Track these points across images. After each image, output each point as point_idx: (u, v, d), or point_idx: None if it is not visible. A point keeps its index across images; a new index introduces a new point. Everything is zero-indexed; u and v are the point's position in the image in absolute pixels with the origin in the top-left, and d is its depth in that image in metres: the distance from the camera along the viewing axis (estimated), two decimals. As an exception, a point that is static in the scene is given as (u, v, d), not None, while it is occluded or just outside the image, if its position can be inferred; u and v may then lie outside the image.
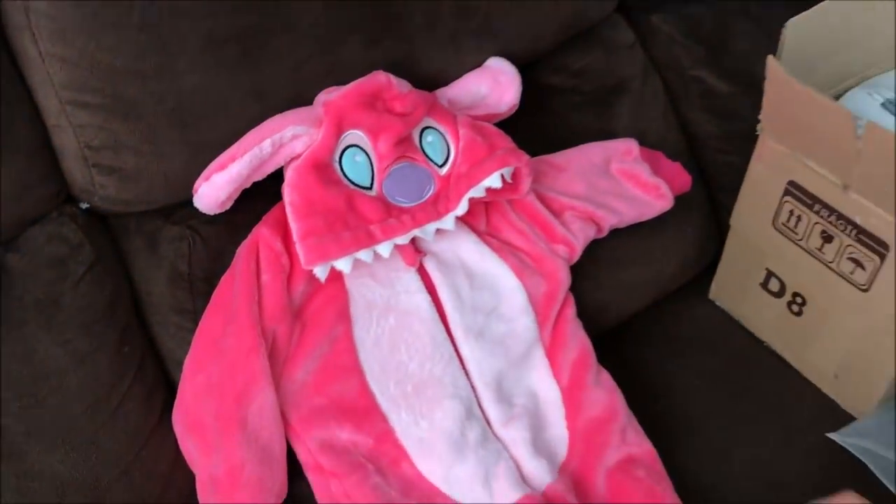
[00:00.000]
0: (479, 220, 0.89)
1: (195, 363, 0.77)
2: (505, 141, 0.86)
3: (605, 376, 0.87)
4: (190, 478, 0.75)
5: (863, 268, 0.86)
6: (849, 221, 0.85)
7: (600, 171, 0.95)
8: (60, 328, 0.73)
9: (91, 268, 0.76)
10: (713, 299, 1.06)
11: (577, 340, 0.88)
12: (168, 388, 0.79)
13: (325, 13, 0.82)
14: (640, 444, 0.83)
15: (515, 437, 0.81)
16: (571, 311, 0.89)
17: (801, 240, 0.91)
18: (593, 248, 0.94)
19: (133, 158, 0.77)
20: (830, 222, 0.87)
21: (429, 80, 0.89)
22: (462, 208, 0.83)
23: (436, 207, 0.83)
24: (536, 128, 0.97)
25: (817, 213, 0.87)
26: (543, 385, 0.86)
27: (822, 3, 0.87)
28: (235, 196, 0.80)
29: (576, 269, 0.92)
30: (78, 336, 0.73)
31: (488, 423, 0.82)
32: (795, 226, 0.91)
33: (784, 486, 0.87)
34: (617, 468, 0.81)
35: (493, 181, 0.83)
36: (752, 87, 1.00)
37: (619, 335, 0.98)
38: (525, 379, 0.85)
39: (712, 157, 1.10)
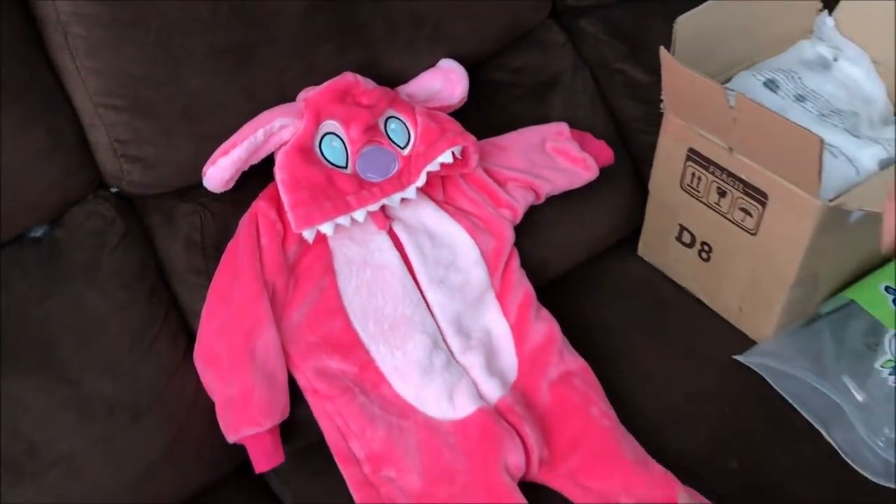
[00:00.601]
0: (437, 191, 1.07)
1: (210, 311, 0.95)
2: (455, 126, 1.05)
3: (545, 312, 1.06)
4: (210, 404, 0.93)
5: (751, 215, 1.05)
6: (736, 178, 1.04)
7: (537, 149, 1.15)
8: (102, 284, 0.91)
9: (123, 238, 0.94)
10: (641, 255, 1.25)
11: (522, 286, 1.07)
12: (188, 335, 0.97)
13: (300, 27, 1.01)
14: (574, 361, 1.02)
15: (473, 362, 1.00)
16: (516, 262, 1.08)
17: (702, 197, 1.10)
18: (534, 213, 1.13)
19: (153, 149, 0.95)
20: (723, 180, 1.06)
21: (391, 79, 1.08)
22: (421, 180, 1.01)
23: (400, 181, 1.02)
24: (483, 116, 1.15)
25: (712, 173, 1.07)
26: (495, 322, 1.04)
27: (706, 3, 1.08)
28: (236, 177, 0.98)
29: (519, 230, 1.10)
30: (116, 291, 0.91)
31: (451, 352, 1.00)
32: (697, 185, 1.10)
33: (697, 398, 1.06)
34: (558, 380, 1.00)
35: (446, 157, 1.02)
36: (667, 75, 1.20)
37: (559, 286, 1.17)
38: (480, 318, 1.04)
39: (636, 137, 1.29)
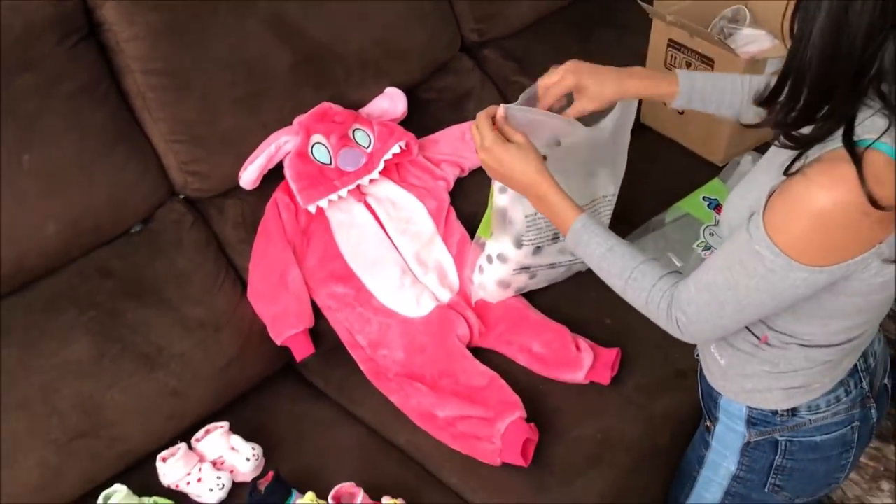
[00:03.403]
0: (394, 173, 1.59)
1: (254, 264, 1.46)
2: (400, 129, 1.57)
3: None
4: (263, 325, 1.43)
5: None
6: (696, 52, 1.64)
7: (459, 139, 1.67)
8: (185, 252, 1.42)
9: (193, 224, 1.46)
10: (641, 121, 1.81)
11: (459, 230, 1.58)
12: (242, 283, 1.47)
13: (289, 78, 1.53)
14: (497, 273, 1.54)
15: (430, 280, 1.51)
16: (453, 215, 1.59)
17: (677, 68, 1.62)
18: (463, 182, 1.64)
19: (206, 166, 1.47)
20: (688, 55, 1.64)
21: (354, 104, 1.60)
22: (381, 166, 1.53)
23: (367, 168, 1.53)
24: (420, 122, 1.68)
25: (682, 52, 1.66)
26: (443, 255, 1.55)
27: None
28: (260, 177, 1.50)
29: (454, 195, 1.62)
30: (194, 255, 1.42)
31: (415, 275, 1.51)
32: (674, 62, 1.69)
33: (583, 286, 1.57)
34: (485, 286, 1.52)
35: (395, 149, 1.54)
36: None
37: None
38: (432, 253, 1.55)
39: (532, 126, 1.82)
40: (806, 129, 0.87)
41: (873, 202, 0.81)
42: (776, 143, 0.91)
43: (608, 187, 1.43)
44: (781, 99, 0.87)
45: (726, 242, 0.97)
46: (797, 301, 0.94)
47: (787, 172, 0.87)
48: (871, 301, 0.97)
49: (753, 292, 0.93)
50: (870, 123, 0.83)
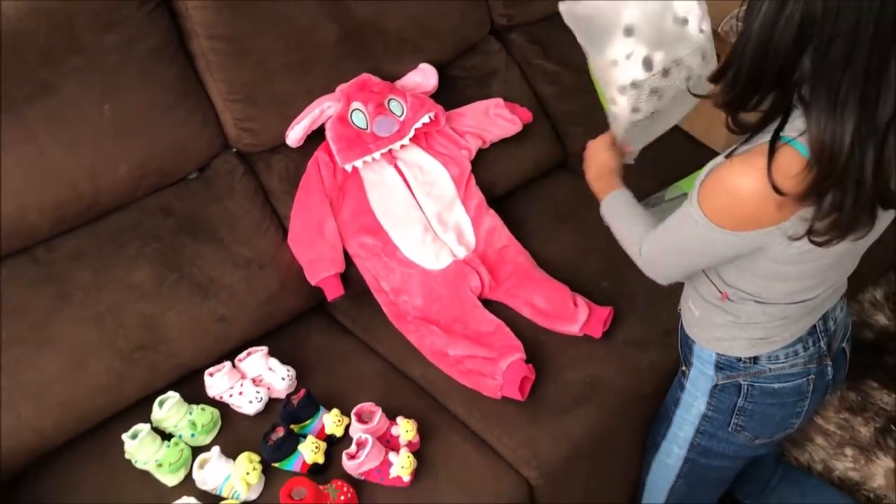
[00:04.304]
0: (422, 141, 1.77)
1: (295, 213, 1.65)
2: (431, 101, 1.76)
3: (492, 211, 1.75)
4: (300, 267, 1.62)
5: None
6: None
7: (483, 114, 1.85)
8: (236, 199, 1.61)
9: (244, 175, 1.65)
10: None
11: (477, 196, 1.76)
12: (283, 230, 1.66)
13: (335, 49, 1.71)
14: (509, 238, 1.72)
15: (449, 238, 1.69)
16: (473, 181, 1.78)
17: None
18: (484, 153, 1.83)
19: (257, 124, 1.66)
20: None
21: (390, 76, 1.78)
22: (411, 134, 1.71)
23: (399, 135, 1.71)
24: (449, 97, 1.86)
25: None
26: (462, 217, 1.74)
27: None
28: (304, 137, 1.68)
29: (476, 164, 1.80)
30: (244, 202, 1.62)
31: (435, 233, 1.69)
32: None
33: (585, 251, 1.74)
34: (500, 249, 1.70)
35: (425, 119, 1.72)
36: (570, 66, 1.91)
37: (505, 197, 1.86)
38: (453, 214, 1.73)
39: (551, 105, 1.99)
40: (752, 119, 1.05)
41: (777, 189, 1.00)
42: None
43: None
44: (725, 81, 1.05)
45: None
46: (725, 256, 1.16)
47: (727, 155, 1.08)
48: (802, 270, 1.14)
49: (687, 241, 1.17)
50: (798, 122, 1.01)
